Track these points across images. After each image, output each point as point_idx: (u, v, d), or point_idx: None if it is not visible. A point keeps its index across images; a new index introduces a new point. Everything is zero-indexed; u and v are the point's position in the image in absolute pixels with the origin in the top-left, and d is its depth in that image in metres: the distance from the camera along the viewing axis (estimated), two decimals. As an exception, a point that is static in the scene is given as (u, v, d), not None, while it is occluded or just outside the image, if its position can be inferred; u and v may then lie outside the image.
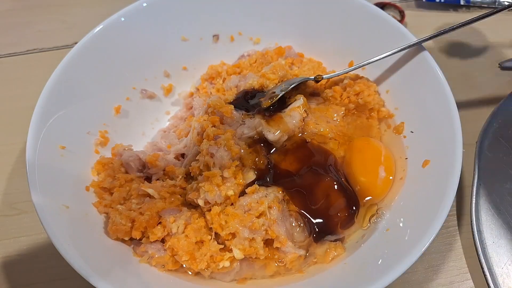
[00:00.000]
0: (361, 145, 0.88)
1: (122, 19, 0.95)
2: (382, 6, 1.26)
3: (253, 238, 0.73)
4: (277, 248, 0.75)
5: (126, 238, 0.76)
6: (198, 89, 1.05)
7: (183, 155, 0.88)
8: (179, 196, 0.81)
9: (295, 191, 0.80)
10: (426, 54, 0.85)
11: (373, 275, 0.65)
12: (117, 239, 0.76)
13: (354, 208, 0.80)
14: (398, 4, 1.27)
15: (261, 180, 0.79)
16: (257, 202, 0.75)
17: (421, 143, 0.84)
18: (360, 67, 0.91)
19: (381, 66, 0.94)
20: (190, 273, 0.75)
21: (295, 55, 1.06)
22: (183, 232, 0.74)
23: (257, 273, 0.76)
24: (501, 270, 0.76)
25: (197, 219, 0.75)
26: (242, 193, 0.78)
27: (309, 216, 0.78)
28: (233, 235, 0.73)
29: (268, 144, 0.83)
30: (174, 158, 0.88)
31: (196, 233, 0.73)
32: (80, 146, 0.86)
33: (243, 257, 0.73)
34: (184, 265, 0.75)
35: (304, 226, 0.78)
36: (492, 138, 0.93)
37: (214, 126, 0.82)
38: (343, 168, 0.85)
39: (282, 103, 0.88)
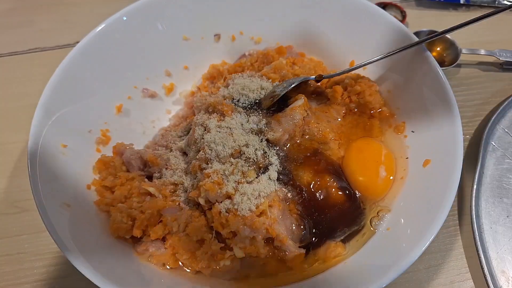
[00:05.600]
0: (361, 144, 0.88)
1: (124, 18, 0.95)
2: (384, 6, 1.26)
3: (253, 237, 0.73)
4: (278, 247, 0.75)
5: (127, 237, 0.76)
6: (199, 88, 1.06)
7: (184, 154, 0.89)
8: (181, 194, 0.81)
9: (297, 191, 0.80)
10: (427, 54, 0.85)
11: (373, 275, 0.65)
12: (118, 237, 0.76)
13: (354, 208, 0.80)
14: (399, 4, 1.27)
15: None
16: (258, 201, 0.75)
17: (422, 142, 0.84)
18: (361, 66, 0.91)
19: (382, 66, 0.94)
20: (188, 270, 0.76)
21: (296, 54, 1.06)
22: (184, 231, 0.74)
23: (258, 271, 0.76)
24: (495, 255, 0.79)
25: (197, 217, 0.75)
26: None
27: (310, 216, 0.78)
28: (234, 233, 0.73)
29: (270, 143, 0.83)
30: (175, 156, 0.88)
31: (197, 232, 0.73)
32: (82, 145, 0.86)
33: (244, 255, 0.73)
34: (184, 264, 0.75)
35: (305, 225, 0.78)
36: (498, 131, 0.95)
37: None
38: (343, 168, 0.85)
39: (283, 102, 0.89)
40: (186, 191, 0.80)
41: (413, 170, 0.82)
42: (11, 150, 1.01)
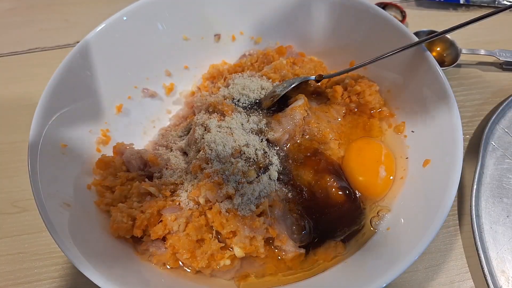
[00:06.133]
0: (361, 144, 0.88)
1: (124, 18, 0.95)
2: (384, 6, 1.26)
3: (253, 237, 0.73)
4: (278, 247, 0.75)
5: (127, 236, 0.76)
6: (199, 88, 1.06)
7: (184, 153, 0.89)
8: (181, 194, 0.81)
9: (297, 191, 0.80)
10: (427, 54, 0.85)
11: (373, 274, 0.65)
12: (118, 237, 0.76)
13: (355, 207, 0.80)
14: (399, 4, 1.27)
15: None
16: (258, 201, 0.75)
17: (421, 142, 0.84)
18: (361, 66, 0.91)
19: (382, 66, 0.94)
20: (188, 270, 0.76)
21: (296, 54, 1.06)
22: (184, 231, 0.74)
23: (258, 271, 0.76)
24: (495, 255, 0.79)
25: (197, 217, 0.75)
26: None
27: (310, 215, 0.78)
28: (234, 233, 0.73)
29: (270, 143, 0.83)
30: (176, 156, 0.88)
31: (197, 232, 0.73)
32: (82, 145, 0.86)
33: (244, 255, 0.73)
34: (184, 263, 0.75)
35: (305, 225, 0.78)
36: (498, 131, 0.96)
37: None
38: (343, 168, 0.85)
39: (283, 102, 0.89)
40: (186, 191, 0.80)
41: (413, 170, 0.82)
42: (11, 150, 1.01)
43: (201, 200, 0.75)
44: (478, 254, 0.78)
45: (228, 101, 0.87)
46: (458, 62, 1.10)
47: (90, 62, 0.90)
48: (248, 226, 0.72)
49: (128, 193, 0.81)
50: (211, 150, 0.78)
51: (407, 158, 0.85)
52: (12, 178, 0.96)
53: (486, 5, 1.28)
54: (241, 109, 0.86)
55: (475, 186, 0.86)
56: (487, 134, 0.94)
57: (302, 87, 0.95)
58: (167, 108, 1.05)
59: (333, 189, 0.80)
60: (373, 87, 0.93)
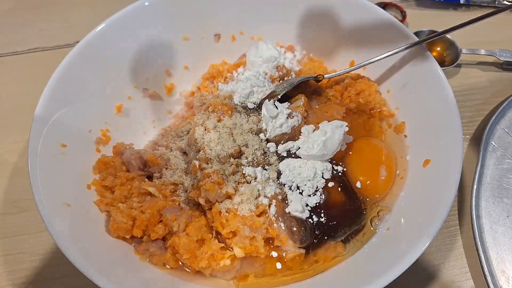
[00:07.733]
0: (362, 144, 0.88)
1: (124, 18, 0.95)
2: (384, 6, 1.26)
3: (253, 237, 0.73)
4: (278, 247, 0.75)
5: (127, 236, 0.76)
6: (199, 88, 1.05)
7: (184, 153, 0.89)
8: (181, 194, 0.81)
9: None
10: (427, 54, 0.85)
11: (373, 275, 0.65)
12: (118, 237, 0.76)
13: (355, 208, 0.80)
14: (399, 4, 1.27)
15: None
16: (258, 201, 0.75)
17: (422, 142, 0.84)
18: (361, 66, 0.92)
19: (382, 65, 0.94)
20: (188, 270, 0.76)
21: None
22: (184, 231, 0.74)
23: (258, 271, 0.76)
24: (495, 255, 0.79)
25: (198, 217, 0.75)
26: (243, 192, 0.78)
27: (310, 216, 0.78)
28: (234, 233, 0.73)
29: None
30: (176, 156, 0.88)
31: (197, 232, 0.73)
32: (82, 145, 0.86)
33: (244, 255, 0.73)
34: (184, 263, 0.75)
35: (305, 225, 0.78)
36: (498, 131, 0.96)
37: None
38: (344, 168, 0.85)
39: (283, 102, 0.88)
40: (186, 191, 0.80)
41: (413, 170, 0.82)
42: (11, 150, 1.00)
43: (201, 200, 0.75)
44: (478, 254, 0.78)
45: (228, 101, 0.87)
46: (458, 62, 1.10)
47: (90, 62, 0.90)
48: (248, 226, 0.72)
49: (128, 193, 0.81)
50: (211, 150, 0.78)
51: (407, 158, 0.85)
52: (12, 178, 0.96)
53: (486, 5, 1.28)
54: (241, 109, 0.86)
55: (475, 186, 0.87)
56: (487, 134, 0.94)
57: (302, 87, 0.95)
58: (167, 108, 1.05)
59: (334, 189, 0.79)
60: (373, 87, 0.93)
